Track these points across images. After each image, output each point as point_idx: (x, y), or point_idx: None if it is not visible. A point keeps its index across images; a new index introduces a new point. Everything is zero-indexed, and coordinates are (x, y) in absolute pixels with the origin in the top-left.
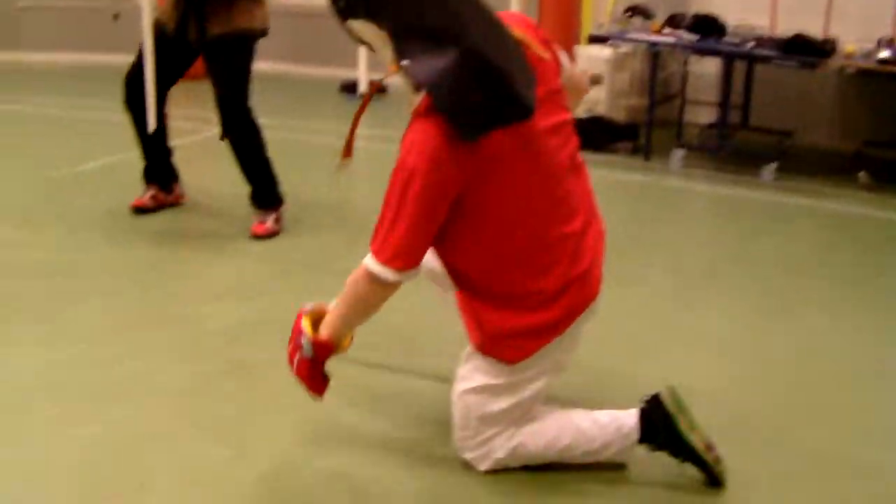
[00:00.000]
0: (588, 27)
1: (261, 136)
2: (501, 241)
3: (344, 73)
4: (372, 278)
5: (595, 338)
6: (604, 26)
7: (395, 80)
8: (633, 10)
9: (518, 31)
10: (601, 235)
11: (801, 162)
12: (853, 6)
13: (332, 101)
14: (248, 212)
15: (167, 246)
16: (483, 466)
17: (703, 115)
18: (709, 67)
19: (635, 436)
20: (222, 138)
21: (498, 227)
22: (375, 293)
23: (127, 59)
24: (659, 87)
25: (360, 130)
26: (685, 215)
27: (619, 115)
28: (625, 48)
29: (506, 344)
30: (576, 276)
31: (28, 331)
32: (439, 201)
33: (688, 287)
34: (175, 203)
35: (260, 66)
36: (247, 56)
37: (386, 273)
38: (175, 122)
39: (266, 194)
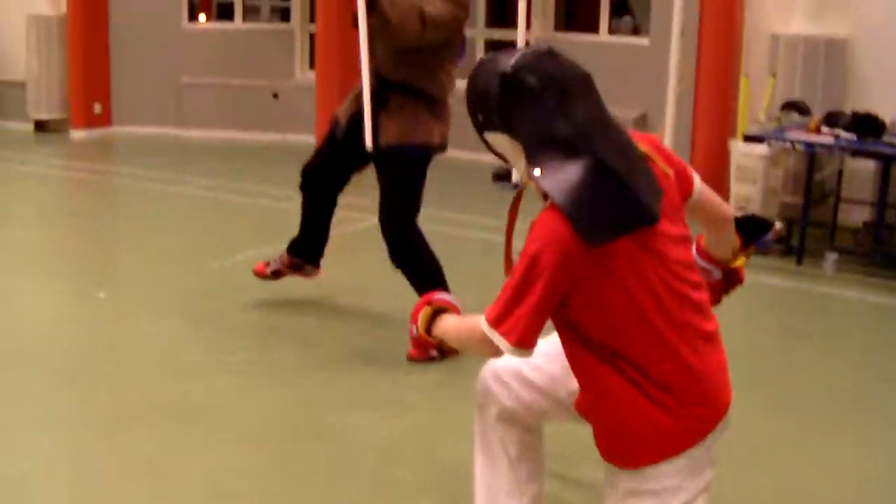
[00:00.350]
0: (744, 121)
1: (424, 253)
2: (623, 334)
3: (496, 160)
4: (486, 341)
5: (736, 466)
6: (760, 121)
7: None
8: (790, 106)
9: (644, 147)
10: (724, 355)
11: None
12: None
13: (485, 191)
14: (403, 315)
15: (322, 349)
16: None
17: (857, 214)
18: (864, 164)
19: None
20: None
21: (618, 321)
22: (483, 351)
23: (285, 139)
24: (814, 186)
25: (501, 222)
26: (837, 328)
27: (772, 214)
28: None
29: (637, 447)
30: (707, 381)
31: (192, 435)
32: (560, 292)
33: (839, 413)
34: (300, 276)
35: None
36: (417, 170)
37: (501, 343)
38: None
39: None
